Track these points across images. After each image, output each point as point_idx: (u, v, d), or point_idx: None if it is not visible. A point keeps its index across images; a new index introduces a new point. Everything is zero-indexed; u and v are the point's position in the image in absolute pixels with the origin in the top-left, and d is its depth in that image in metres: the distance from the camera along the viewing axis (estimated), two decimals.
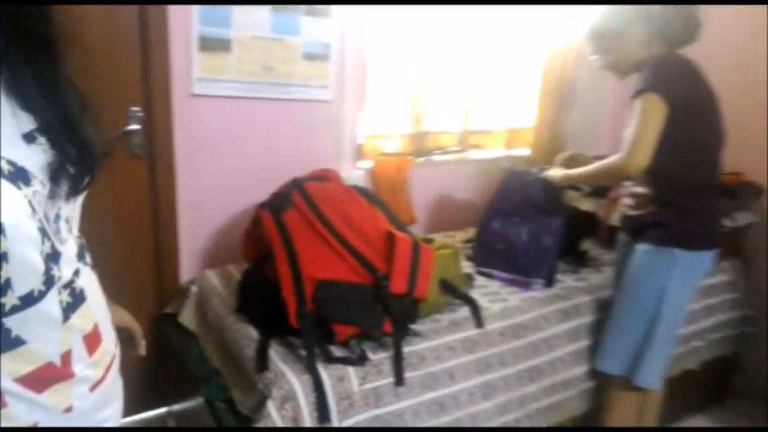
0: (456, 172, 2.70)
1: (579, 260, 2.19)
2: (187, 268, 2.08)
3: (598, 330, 1.88)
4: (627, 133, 1.56)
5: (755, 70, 2.40)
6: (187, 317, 1.85)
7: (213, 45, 1.92)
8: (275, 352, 1.45)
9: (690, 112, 1.56)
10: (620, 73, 1.77)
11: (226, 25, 1.92)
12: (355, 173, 2.33)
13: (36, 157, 0.62)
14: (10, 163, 0.58)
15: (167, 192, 1.98)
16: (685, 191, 1.65)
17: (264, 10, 1.96)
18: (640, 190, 1.73)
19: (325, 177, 1.79)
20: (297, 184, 1.71)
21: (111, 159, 1.71)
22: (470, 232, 2.50)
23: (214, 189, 2.05)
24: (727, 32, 2.31)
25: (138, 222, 1.98)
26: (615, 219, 2.28)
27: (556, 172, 1.95)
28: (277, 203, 1.66)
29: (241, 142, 2.06)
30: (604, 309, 1.90)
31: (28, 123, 0.63)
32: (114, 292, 0.88)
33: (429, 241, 1.85)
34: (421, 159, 2.57)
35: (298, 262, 1.50)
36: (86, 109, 0.70)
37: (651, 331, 1.71)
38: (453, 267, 1.78)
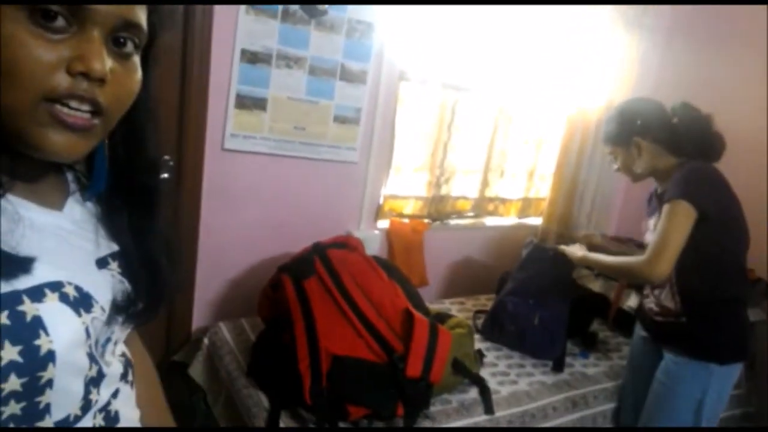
0: (471, 237, 2.72)
1: (587, 342, 2.20)
2: (198, 317, 2.09)
3: (603, 422, 1.88)
4: (653, 237, 1.54)
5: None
6: (197, 371, 1.85)
7: (249, 103, 1.97)
8: (284, 424, 1.45)
9: (721, 223, 1.54)
10: (631, 177, 1.74)
11: (264, 85, 1.97)
12: (373, 233, 2.37)
13: (104, 282, 0.62)
14: (77, 288, 0.57)
15: (189, 240, 2.00)
16: (717, 303, 1.61)
17: (301, 74, 2.02)
18: (668, 303, 1.66)
19: (347, 245, 1.81)
20: (319, 250, 1.73)
21: None
22: (482, 300, 2.52)
23: (235, 241, 2.08)
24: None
25: None
26: (626, 303, 2.30)
27: (576, 251, 1.93)
28: (299, 269, 1.67)
29: (267, 197, 2.09)
30: (611, 400, 1.90)
31: (105, 249, 0.64)
32: None
33: (444, 318, 1.86)
34: (437, 222, 2.60)
35: (316, 334, 1.52)
36: (170, 249, 0.72)
37: None
38: (466, 346, 1.78)
